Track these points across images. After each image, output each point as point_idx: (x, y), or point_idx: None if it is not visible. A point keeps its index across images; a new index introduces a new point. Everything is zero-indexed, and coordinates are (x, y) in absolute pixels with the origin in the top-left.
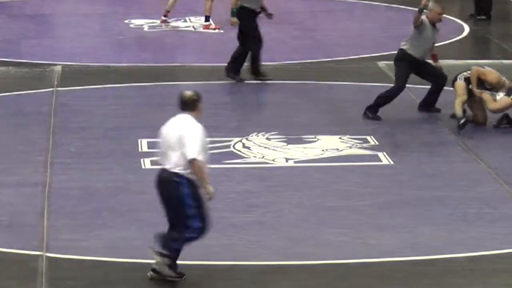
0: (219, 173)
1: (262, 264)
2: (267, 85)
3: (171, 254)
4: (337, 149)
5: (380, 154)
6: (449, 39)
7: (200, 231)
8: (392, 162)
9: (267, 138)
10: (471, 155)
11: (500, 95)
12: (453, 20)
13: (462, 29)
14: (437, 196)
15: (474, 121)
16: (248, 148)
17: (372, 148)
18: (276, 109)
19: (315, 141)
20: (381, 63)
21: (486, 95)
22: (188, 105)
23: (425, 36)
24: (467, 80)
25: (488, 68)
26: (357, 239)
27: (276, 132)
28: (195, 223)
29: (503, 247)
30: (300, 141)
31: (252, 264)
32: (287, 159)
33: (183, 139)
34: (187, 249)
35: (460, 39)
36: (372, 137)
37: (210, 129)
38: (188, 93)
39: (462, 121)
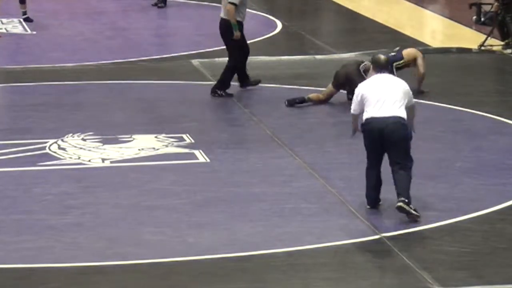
0: (34, 175)
1: (81, 265)
2: (81, 85)
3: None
4: (154, 148)
5: (196, 152)
6: (262, 35)
7: None
8: (208, 160)
9: (82, 139)
10: (286, 150)
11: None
12: (266, 16)
13: (275, 25)
14: (254, 193)
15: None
16: (64, 149)
17: (188, 146)
18: (91, 110)
19: (131, 141)
20: (195, 61)
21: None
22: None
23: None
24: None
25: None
26: (175, 237)
27: (92, 133)
28: None
29: (321, 241)
30: (116, 141)
31: (71, 266)
32: (103, 160)
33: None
34: (3, 252)
35: (273, 35)
36: (187, 135)
37: (24, 131)
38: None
39: None
